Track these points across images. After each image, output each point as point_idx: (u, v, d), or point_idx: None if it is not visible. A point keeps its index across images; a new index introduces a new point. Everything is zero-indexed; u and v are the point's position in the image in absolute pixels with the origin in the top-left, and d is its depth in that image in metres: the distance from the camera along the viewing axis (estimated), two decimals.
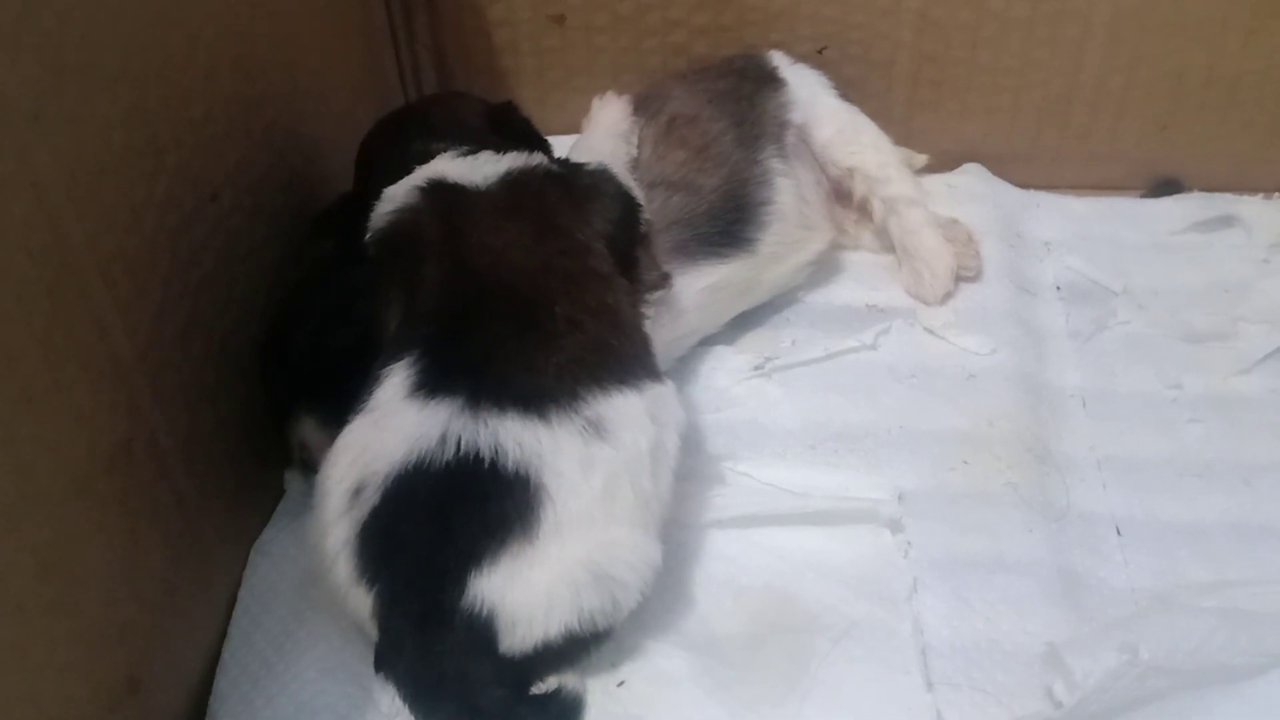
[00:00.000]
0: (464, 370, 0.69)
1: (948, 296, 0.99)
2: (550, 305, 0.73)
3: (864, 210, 1.04)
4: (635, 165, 0.93)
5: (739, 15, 1.10)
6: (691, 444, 0.85)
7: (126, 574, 0.65)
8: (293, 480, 0.86)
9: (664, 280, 0.86)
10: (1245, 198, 1.09)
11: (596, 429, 0.68)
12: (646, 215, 0.87)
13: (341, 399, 0.73)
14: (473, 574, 0.64)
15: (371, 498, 0.66)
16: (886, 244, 1.03)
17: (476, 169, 0.80)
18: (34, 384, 0.56)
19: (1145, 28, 1.04)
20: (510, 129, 0.89)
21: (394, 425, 0.68)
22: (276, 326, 0.83)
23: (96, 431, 0.62)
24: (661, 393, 0.73)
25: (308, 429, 0.81)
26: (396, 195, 0.80)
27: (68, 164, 0.60)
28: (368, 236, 0.80)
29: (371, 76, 1.10)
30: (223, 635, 0.76)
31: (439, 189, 0.79)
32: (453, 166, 0.81)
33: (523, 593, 0.64)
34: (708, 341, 0.96)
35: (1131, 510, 0.83)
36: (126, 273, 0.65)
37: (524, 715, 0.68)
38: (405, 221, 0.79)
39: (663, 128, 0.95)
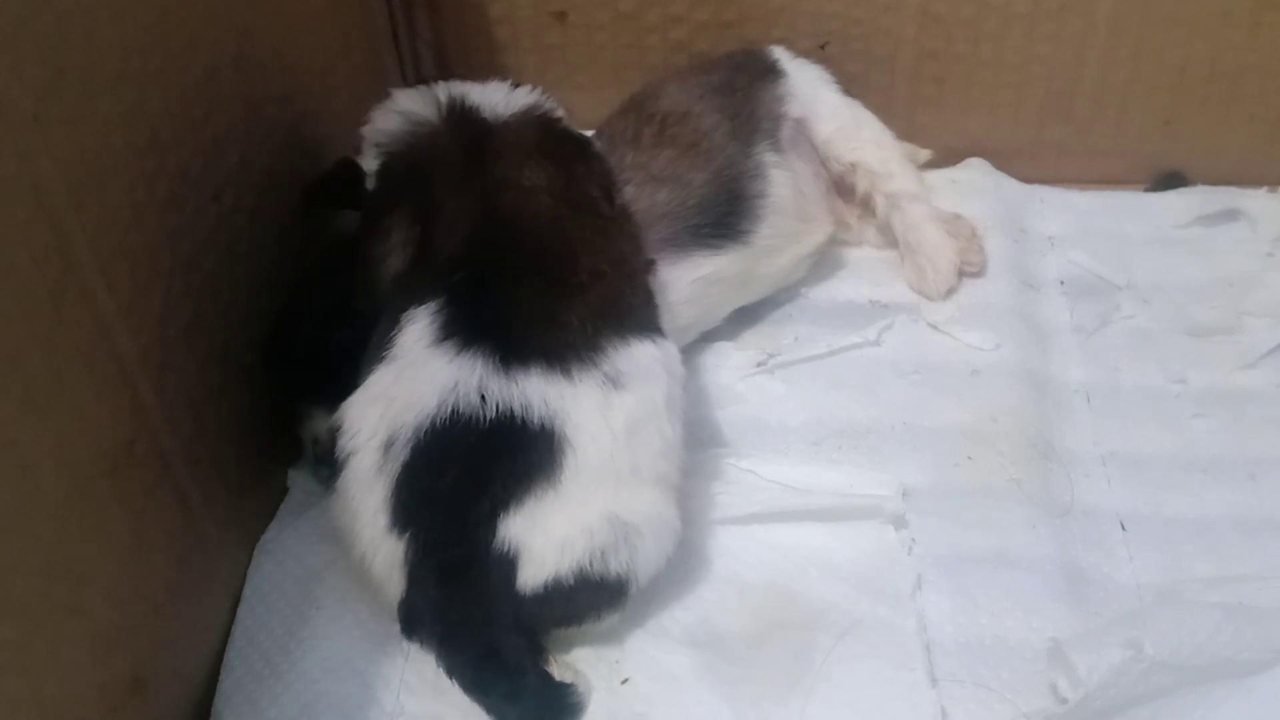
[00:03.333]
0: (492, 323, 0.70)
1: (951, 292, 0.99)
2: (575, 256, 0.73)
3: (867, 206, 1.03)
4: (623, 165, 0.92)
5: (741, 11, 1.09)
6: (694, 440, 0.85)
7: (130, 574, 0.65)
8: (296, 479, 0.86)
9: (648, 266, 0.86)
10: (1249, 191, 1.08)
11: (614, 381, 0.70)
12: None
13: (349, 392, 0.73)
14: (501, 518, 0.66)
15: (401, 451, 0.67)
16: (889, 239, 1.03)
17: (498, 97, 0.78)
18: (36, 385, 0.56)
19: (1148, 22, 1.04)
20: None
21: (421, 375, 0.68)
22: (280, 324, 0.83)
23: (99, 432, 0.62)
24: (668, 346, 0.75)
25: (320, 424, 0.81)
26: (410, 104, 0.77)
27: (69, 165, 0.60)
28: (368, 145, 0.77)
29: (373, 75, 1.10)
30: (227, 635, 0.76)
31: (460, 110, 0.77)
32: (473, 89, 0.78)
33: (544, 531, 0.66)
34: (710, 338, 0.96)
35: (1136, 505, 0.83)
36: (128, 273, 0.65)
37: (532, 680, 0.68)
38: (421, 137, 0.76)
39: (656, 127, 0.95)
